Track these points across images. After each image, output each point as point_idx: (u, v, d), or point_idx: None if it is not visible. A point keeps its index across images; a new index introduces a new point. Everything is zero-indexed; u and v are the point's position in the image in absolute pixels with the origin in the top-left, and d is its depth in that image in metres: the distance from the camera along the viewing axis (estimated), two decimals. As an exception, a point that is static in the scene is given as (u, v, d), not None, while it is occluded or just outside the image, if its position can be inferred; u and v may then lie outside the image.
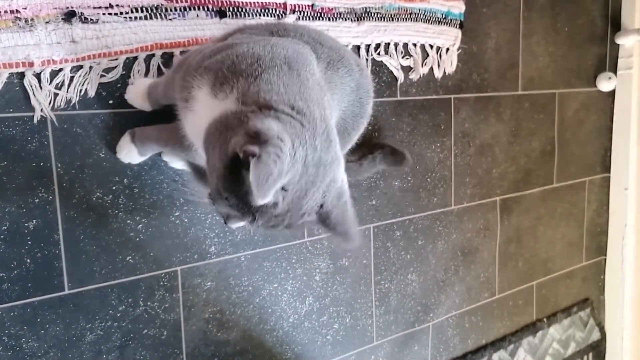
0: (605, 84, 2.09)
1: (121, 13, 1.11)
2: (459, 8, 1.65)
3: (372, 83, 1.12)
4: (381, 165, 1.48)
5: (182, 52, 1.20)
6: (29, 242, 1.10)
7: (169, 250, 1.27)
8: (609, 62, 2.15)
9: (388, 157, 1.46)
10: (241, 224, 0.79)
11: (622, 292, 2.34)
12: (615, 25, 2.16)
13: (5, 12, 0.99)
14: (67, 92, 1.09)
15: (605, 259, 2.38)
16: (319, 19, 1.37)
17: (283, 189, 0.74)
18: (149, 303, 1.26)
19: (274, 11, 1.30)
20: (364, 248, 1.61)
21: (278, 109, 0.74)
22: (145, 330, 1.26)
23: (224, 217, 0.79)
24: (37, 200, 1.10)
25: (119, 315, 1.22)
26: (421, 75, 1.62)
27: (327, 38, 1.04)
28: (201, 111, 0.83)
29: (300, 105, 0.76)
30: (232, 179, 0.73)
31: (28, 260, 1.10)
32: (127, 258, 1.22)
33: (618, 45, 2.16)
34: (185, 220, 1.28)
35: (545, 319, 2.16)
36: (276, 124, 0.72)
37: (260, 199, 0.70)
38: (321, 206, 0.80)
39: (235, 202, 0.75)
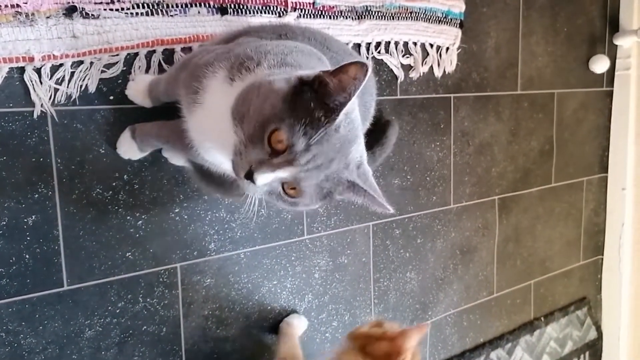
0: (599, 65, 2.08)
1: (122, 9, 1.10)
2: (459, 7, 1.66)
3: (376, 86, 1.13)
4: (383, 155, 1.44)
5: (183, 49, 1.20)
6: (28, 238, 1.10)
7: (168, 247, 1.26)
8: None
9: (384, 142, 1.41)
10: (269, 175, 0.75)
11: (619, 292, 2.35)
12: (614, 26, 2.17)
13: (6, 6, 0.99)
14: (68, 87, 1.09)
15: (602, 259, 2.38)
16: (320, 17, 1.37)
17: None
18: (148, 299, 1.25)
19: (275, 9, 1.30)
20: (363, 246, 1.61)
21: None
22: (145, 327, 1.25)
23: (252, 166, 0.75)
24: (36, 195, 1.09)
25: (118, 311, 1.22)
26: (421, 74, 1.62)
27: (333, 42, 1.05)
28: (214, 101, 0.83)
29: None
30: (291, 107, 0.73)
31: (27, 256, 1.10)
32: (127, 254, 1.21)
33: (616, 46, 2.17)
34: (185, 216, 1.28)
35: (542, 318, 2.16)
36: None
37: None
38: (347, 179, 0.81)
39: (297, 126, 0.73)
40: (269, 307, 1.44)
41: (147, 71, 1.18)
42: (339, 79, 0.72)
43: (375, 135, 1.42)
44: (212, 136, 0.86)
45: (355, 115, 0.80)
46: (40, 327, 1.13)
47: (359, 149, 0.83)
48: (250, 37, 0.99)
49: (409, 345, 1.04)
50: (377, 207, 0.84)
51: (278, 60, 0.81)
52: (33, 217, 1.10)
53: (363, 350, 1.06)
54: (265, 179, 0.74)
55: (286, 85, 0.74)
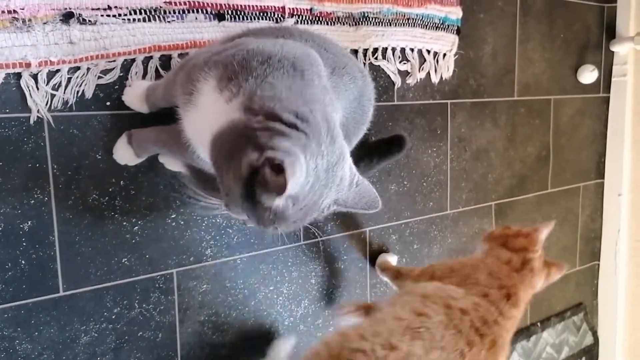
0: (586, 75, 2.09)
1: (119, 15, 1.11)
2: (456, 14, 1.66)
3: (374, 91, 1.13)
4: (382, 164, 1.45)
5: (180, 55, 1.20)
6: (24, 244, 1.09)
7: (164, 253, 1.26)
8: (603, 68, 2.17)
9: (386, 153, 1.43)
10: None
11: (615, 297, 2.35)
12: (610, 32, 2.17)
13: (3, 12, 0.99)
14: (64, 93, 1.09)
15: (598, 264, 2.39)
16: (317, 23, 1.38)
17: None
18: (144, 305, 1.25)
19: (272, 15, 1.30)
20: (360, 252, 1.61)
21: (283, 118, 0.74)
22: (140, 333, 1.25)
23: (241, 221, 0.81)
24: (32, 201, 1.09)
25: (113, 317, 1.21)
26: (418, 80, 1.63)
27: (331, 44, 1.05)
28: (205, 105, 0.83)
29: (303, 111, 0.76)
30: (248, 193, 0.74)
31: (23, 262, 1.10)
32: (123, 260, 1.21)
33: (613, 52, 2.18)
34: (182, 222, 1.28)
35: (539, 323, 2.16)
36: (285, 140, 0.72)
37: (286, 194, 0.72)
38: (336, 200, 0.84)
39: (253, 213, 0.77)
40: (265, 313, 1.44)
41: (144, 77, 1.18)
42: (275, 180, 0.71)
43: (381, 146, 1.43)
44: (205, 138, 0.87)
45: (336, 137, 0.80)
46: (36, 333, 1.12)
47: (346, 166, 0.83)
48: (249, 37, 0.99)
49: (542, 238, 1.33)
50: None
51: (256, 87, 0.78)
52: (29, 222, 1.09)
53: (505, 246, 1.33)
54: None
55: (241, 174, 0.73)
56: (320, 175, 0.77)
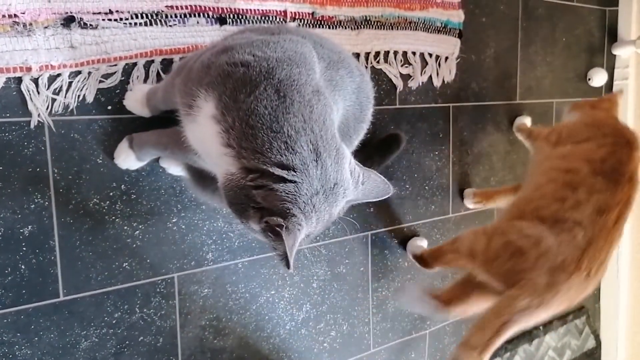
0: (598, 77, 2.10)
1: (121, 19, 1.10)
2: (459, 17, 1.66)
3: (373, 90, 1.12)
4: (382, 164, 1.43)
5: (181, 59, 1.20)
6: (24, 248, 1.09)
7: (165, 257, 1.26)
8: (605, 71, 2.16)
9: (386, 153, 1.42)
10: None
11: (617, 301, 2.34)
12: (612, 36, 2.17)
13: (3, 16, 0.99)
14: (65, 97, 1.09)
15: (600, 268, 2.37)
16: (319, 26, 1.37)
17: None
18: (145, 310, 1.25)
19: (274, 18, 1.30)
20: (362, 255, 1.60)
21: (271, 173, 0.77)
22: (141, 337, 1.25)
23: None
24: (32, 206, 1.09)
25: (114, 322, 1.21)
26: (420, 84, 1.62)
27: (327, 41, 1.04)
28: (205, 127, 0.82)
29: (288, 160, 0.77)
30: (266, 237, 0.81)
31: (23, 267, 1.09)
32: (124, 264, 1.21)
33: (615, 55, 2.17)
34: (183, 226, 1.27)
35: (541, 327, 2.16)
36: (277, 199, 0.77)
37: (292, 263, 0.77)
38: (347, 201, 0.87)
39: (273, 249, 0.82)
40: (267, 317, 1.44)
41: (145, 81, 1.17)
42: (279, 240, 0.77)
43: (380, 146, 1.42)
44: (204, 150, 0.88)
45: (326, 161, 0.81)
46: (36, 338, 1.12)
47: (348, 174, 0.85)
48: (244, 34, 0.97)
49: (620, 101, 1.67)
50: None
51: (245, 137, 0.79)
52: (29, 227, 1.09)
53: (594, 108, 1.62)
54: None
55: (255, 226, 0.81)
56: (321, 208, 0.80)
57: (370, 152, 1.39)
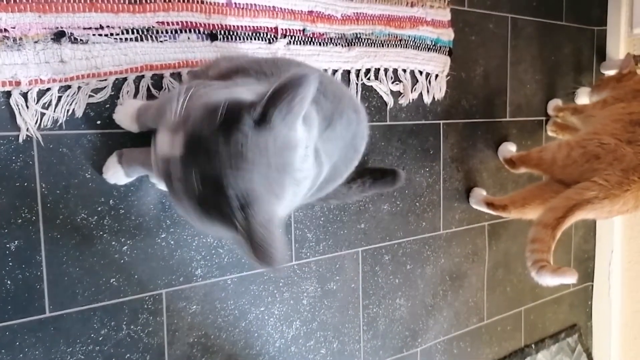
0: (585, 97, 2.12)
1: (112, 34, 1.11)
2: (449, 35, 1.68)
3: (367, 126, 1.13)
4: (372, 190, 1.47)
5: (172, 74, 1.20)
6: (10, 263, 1.08)
7: (154, 273, 1.25)
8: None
9: (379, 180, 1.45)
10: None
11: (610, 318, 2.34)
12: (601, 55, 2.20)
13: (-6, 31, 0.99)
14: (54, 111, 1.08)
15: (592, 285, 2.38)
16: (310, 43, 1.38)
17: None
18: (132, 327, 1.23)
19: (265, 35, 1.31)
20: (352, 272, 1.59)
21: None
22: (128, 355, 1.23)
23: None
24: (19, 220, 1.08)
25: (101, 339, 1.19)
26: (411, 101, 1.63)
27: (330, 85, 1.03)
28: None
29: None
30: None
31: (8, 282, 1.08)
32: (111, 280, 1.19)
33: (603, 74, 2.20)
34: (172, 242, 1.26)
35: (533, 345, 2.15)
36: None
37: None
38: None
39: None
40: (256, 334, 1.42)
41: (135, 96, 1.17)
42: None
43: (376, 173, 1.43)
44: None
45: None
46: (21, 355, 1.10)
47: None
48: (248, 78, 0.98)
49: None
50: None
51: None
52: (15, 242, 1.08)
53: (620, 81, 1.79)
54: None
55: None
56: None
57: (364, 174, 1.39)
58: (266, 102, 0.71)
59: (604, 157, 1.46)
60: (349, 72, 1.48)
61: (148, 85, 1.18)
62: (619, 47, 2.16)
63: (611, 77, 1.85)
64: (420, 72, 1.64)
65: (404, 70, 1.60)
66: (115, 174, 1.14)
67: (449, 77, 1.71)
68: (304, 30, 1.37)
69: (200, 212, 0.75)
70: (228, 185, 0.71)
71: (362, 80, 1.51)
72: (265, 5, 1.30)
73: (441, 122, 1.73)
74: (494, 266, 1.97)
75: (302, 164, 0.83)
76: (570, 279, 1.32)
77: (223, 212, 0.72)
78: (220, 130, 0.71)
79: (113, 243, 1.19)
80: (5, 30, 1.00)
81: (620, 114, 1.58)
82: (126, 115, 1.14)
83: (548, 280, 1.35)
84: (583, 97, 2.11)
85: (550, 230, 1.42)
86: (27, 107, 1.05)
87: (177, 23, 1.19)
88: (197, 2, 1.20)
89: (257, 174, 0.72)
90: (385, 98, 1.58)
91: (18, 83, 1.02)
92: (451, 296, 1.85)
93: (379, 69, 1.55)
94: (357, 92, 1.51)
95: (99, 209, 1.17)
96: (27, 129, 1.06)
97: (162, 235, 1.25)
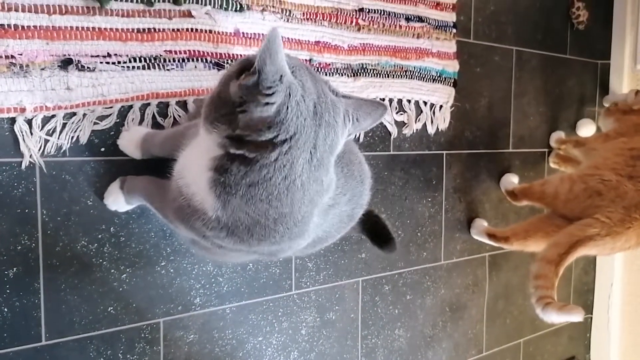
0: (584, 129, 2.13)
1: (119, 62, 1.10)
2: (454, 67, 1.68)
3: (369, 193, 1.12)
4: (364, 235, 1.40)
5: (178, 102, 1.20)
6: (8, 291, 1.06)
7: (152, 301, 1.23)
8: (597, 123, 2.19)
9: (369, 235, 1.36)
10: None
11: (608, 351, 2.32)
12: (604, 88, 2.21)
13: (0, 57, 0.98)
14: (59, 138, 1.08)
15: (591, 318, 2.36)
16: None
17: None
18: (128, 356, 1.21)
19: (271, 64, 1.31)
20: (352, 302, 1.58)
21: None
22: (123, 385, 1.21)
23: None
24: (19, 247, 1.07)
25: (96, 368, 1.17)
26: (414, 131, 1.63)
27: (346, 154, 1.03)
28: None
29: None
30: None
31: (5, 309, 1.06)
32: (109, 309, 1.18)
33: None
34: (171, 270, 1.25)
35: (532, 378, 2.13)
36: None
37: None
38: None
39: None
40: (253, 365, 1.40)
41: (140, 123, 1.17)
42: None
43: (371, 229, 1.35)
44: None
45: None
46: (14, 384, 1.08)
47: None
48: None
49: None
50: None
51: None
52: (14, 269, 1.06)
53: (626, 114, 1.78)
54: None
55: None
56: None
57: (363, 221, 1.32)
58: None
59: (606, 194, 1.46)
60: (354, 102, 1.48)
61: (154, 113, 1.18)
62: (622, 81, 2.17)
63: (619, 108, 1.85)
64: (425, 103, 1.64)
65: (409, 101, 1.61)
66: (116, 200, 1.13)
67: (453, 108, 1.72)
68: (310, 60, 1.37)
69: None
70: None
71: (366, 110, 1.51)
72: (273, 35, 1.30)
73: (444, 152, 1.73)
74: (494, 297, 1.96)
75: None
76: (576, 317, 1.31)
77: None
78: None
79: (112, 271, 1.18)
80: (12, 56, 0.99)
81: (621, 148, 1.58)
82: (131, 141, 1.14)
83: (554, 317, 1.33)
84: (584, 129, 2.11)
85: (554, 266, 1.41)
86: (32, 134, 1.05)
87: (185, 52, 1.18)
88: (205, 31, 1.20)
89: None
90: (390, 128, 1.58)
91: (23, 110, 1.02)
92: (450, 327, 1.84)
93: (384, 99, 1.55)
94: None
95: (100, 236, 1.15)
96: (31, 156, 1.05)
97: (162, 263, 1.24)
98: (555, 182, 1.60)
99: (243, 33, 1.26)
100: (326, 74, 1.41)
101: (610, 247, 1.43)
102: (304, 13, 1.35)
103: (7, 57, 0.99)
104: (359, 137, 1.52)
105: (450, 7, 1.65)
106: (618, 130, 1.73)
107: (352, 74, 1.46)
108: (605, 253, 1.54)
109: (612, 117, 1.82)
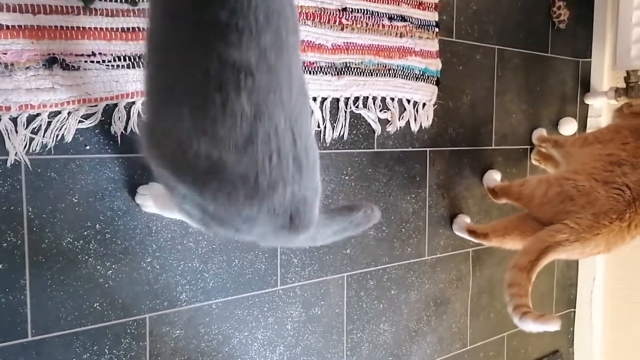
0: (566, 127, 2.16)
1: (104, 61, 1.12)
2: (436, 66, 1.71)
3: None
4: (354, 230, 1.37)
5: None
6: (-6, 287, 1.07)
7: (138, 297, 1.25)
8: (578, 120, 2.23)
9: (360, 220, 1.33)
10: None
11: (591, 345, 2.36)
12: (585, 86, 2.25)
13: (-14, 56, 1.00)
14: (44, 136, 1.09)
15: (574, 312, 2.40)
16: (300, 72, 1.40)
17: None
18: (114, 351, 1.23)
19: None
20: (337, 297, 1.60)
21: None
22: (109, 380, 1.23)
23: None
24: (4, 244, 1.08)
25: (82, 363, 1.19)
26: (398, 129, 1.66)
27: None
28: None
29: None
30: None
31: (-9, 306, 1.08)
32: (95, 305, 1.19)
33: (587, 105, 2.24)
34: (157, 266, 1.27)
35: (515, 371, 2.16)
36: None
37: None
38: None
39: None
40: (239, 359, 1.42)
41: (127, 122, 1.18)
42: None
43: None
44: None
45: None
46: (0, 380, 1.09)
47: None
48: None
49: None
50: None
51: None
52: (0, 266, 1.08)
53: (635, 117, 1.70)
54: None
55: None
56: None
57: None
58: None
59: (577, 200, 1.48)
60: (338, 100, 1.51)
61: (139, 112, 1.19)
62: (602, 78, 2.20)
63: (628, 110, 1.79)
64: (408, 101, 1.67)
65: (392, 99, 1.63)
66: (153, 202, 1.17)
67: (436, 106, 1.74)
68: (294, 59, 1.39)
69: None
70: None
71: (350, 108, 1.54)
72: (257, 34, 1.32)
73: (428, 149, 1.76)
74: (478, 292, 1.99)
75: None
76: (552, 326, 1.32)
77: None
78: None
79: (98, 267, 1.19)
80: (-3, 56, 1.01)
81: (599, 154, 1.59)
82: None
83: (531, 327, 1.35)
84: (566, 127, 2.15)
85: (526, 273, 1.44)
86: (17, 132, 1.06)
87: (169, 51, 1.20)
88: (190, 30, 1.22)
89: None
90: (373, 125, 1.60)
91: (8, 108, 1.03)
92: (435, 322, 1.87)
93: (367, 97, 1.57)
94: (345, 119, 1.53)
95: (85, 233, 1.17)
96: (16, 154, 1.07)
97: (148, 260, 1.25)
98: (532, 184, 1.62)
99: (227, 32, 1.27)
100: (310, 73, 1.43)
101: (580, 252, 1.45)
102: (287, 12, 1.37)
103: (-9, 56, 1.00)
104: (343, 135, 1.54)
105: (433, 6, 1.68)
106: (597, 135, 1.72)
107: (336, 73, 1.48)
108: (576, 257, 1.57)
109: (620, 116, 1.79)
